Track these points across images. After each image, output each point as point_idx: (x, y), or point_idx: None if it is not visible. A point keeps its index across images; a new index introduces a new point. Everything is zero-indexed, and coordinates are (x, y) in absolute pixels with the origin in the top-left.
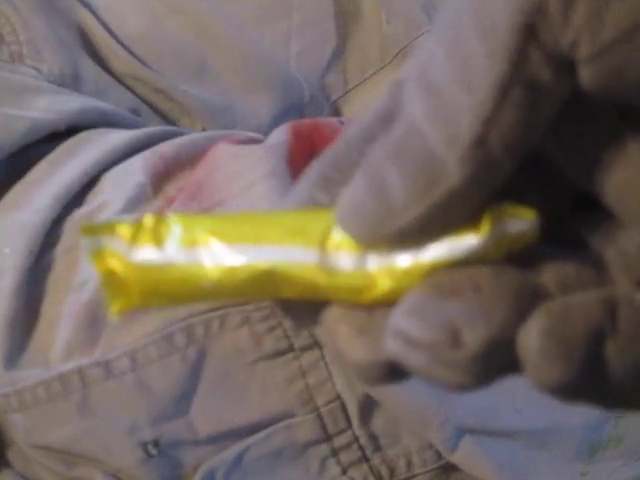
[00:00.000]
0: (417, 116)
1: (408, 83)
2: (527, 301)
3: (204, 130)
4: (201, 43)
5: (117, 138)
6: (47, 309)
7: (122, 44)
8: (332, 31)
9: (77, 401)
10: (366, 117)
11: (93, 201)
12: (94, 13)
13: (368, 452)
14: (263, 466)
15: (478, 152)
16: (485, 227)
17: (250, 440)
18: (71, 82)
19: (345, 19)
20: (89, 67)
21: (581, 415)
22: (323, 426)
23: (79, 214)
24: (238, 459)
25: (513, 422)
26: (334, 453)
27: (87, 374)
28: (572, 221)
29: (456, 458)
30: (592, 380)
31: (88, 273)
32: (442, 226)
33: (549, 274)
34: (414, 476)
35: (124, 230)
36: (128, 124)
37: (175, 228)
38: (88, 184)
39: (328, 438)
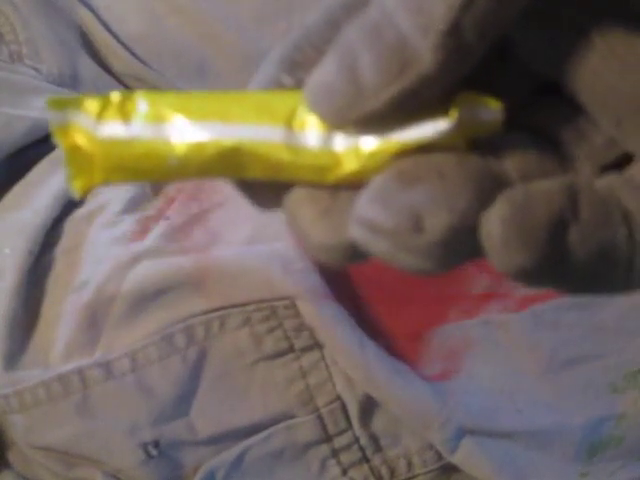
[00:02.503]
0: (391, 4)
1: None
2: (489, 188)
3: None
4: (201, 43)
5: None
6: (47, 309)
7: (122, 44)
8: None
9: (77, 402)
10: (329, 4)
11: (93, 201)
12: (94, 13)
13: (368, 453)
14: (263, 467)
15: (451, 39)
16: (453, 112)
17: (250, 441)
18: (70, 82)
19: None
20: (89, 67)
21: (581, 416)
22: (323, 427)
23: (79, 214)
24: (238, 460)
25: (513, 423)
26: (334, 454)
27: (87, 375)
28: (534, 109)
29: (456, 459)
30: (555, 265)
31: (88, 273)
32: (411, 110)
33: (511, 162)
34: (414, 477)
35: (91, 105)
36: None
37: (141, 104)
38: None
39: (328, 439)
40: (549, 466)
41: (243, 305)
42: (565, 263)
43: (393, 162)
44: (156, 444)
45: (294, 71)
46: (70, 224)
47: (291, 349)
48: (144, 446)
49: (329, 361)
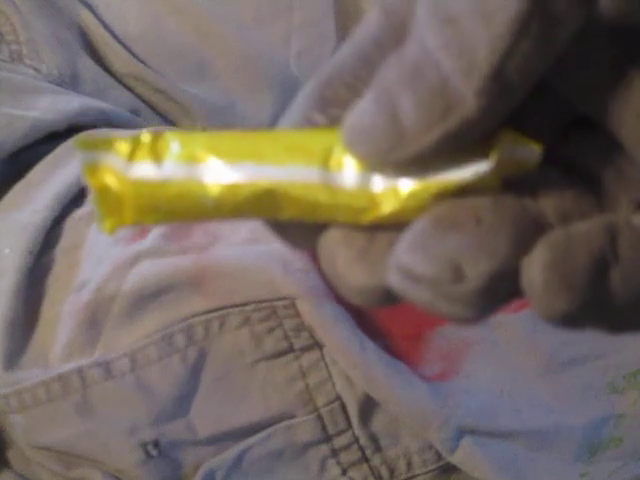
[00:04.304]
0: (431, 44)
1: (419, 7)
2: (528, 232)
3: (204, 130)
4: (201, 43)
5: None
6: (47, 309)
7: (122, 44)
8: (332, 31)
9: (77, 402)
10: (359, 39)
11: None
12: (94, 13)
13: (368, 453)
14: (263, 466)
15: (494, 84)
16: (492, 154)
17: (250, 440)
18: (70, 82)
19: (345, 19)
20: (89, 67)
21: (581, 416)
22: (323, 427)
23: (79, 214)
24: (238, 459)
25: (513, 423)
26: (334, 454)
27: (87, 374)
28: (567, 144)
29: (456, 459)
30: (596, 307)
31: (88, 273)
32: (452, 153)
33: (548, 203)
34: (414, 477)
35: (122, 146)
36: (128, 124)
37: (173, 145)
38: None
39: (328, 439)
40: (549, 466)
41: (243, 305)
42: (607, 305)
43: (431, 205)
44: (156, 444)
45: (326, 109)
46: (70, 224)
47: (291, 349)
48: (144, 446)
49: (329, 361)
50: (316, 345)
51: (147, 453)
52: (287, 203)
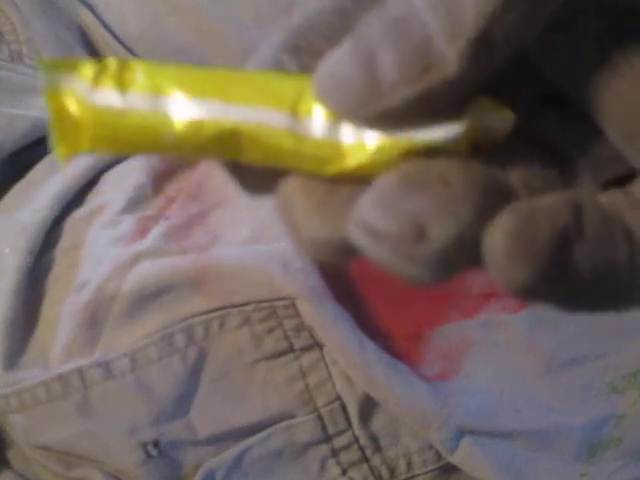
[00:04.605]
0: (417, 2)
1: None
2: (494, 200)
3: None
4: (201, 43)
5: None
6: (47, 309)
7: (122, 44)
8: None
9: (77, 402)
10: None
11: (93, 201)
12: (94, 13)
13: (368, 453)
14: (263, 466)
15: (478, 48)
16: (464, 118)
17: (250, 440)
18: None
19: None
20: None
21: (581, 416)
22: (323, 427)
23: (79, 214)
24: (238, 459)
25: (513, 423)
26: (334, 454)
27: (87, 375)
28: (538, 119)
29: (456, 459)
30: (557, 282)
31: (88, 273)
32: (425, 112)
33: (516, 174)
34: (414, 477)
35: (86, 70)
36: None
37: (139, 74)
38: (88, 184)
39: (328, 439)
40: (549, 466)
41: (243, 305)
42: (567, 280)
43: (398, 162)
44: (156, 444)
45: (298, 55)
46: (70, 224)
47: (291, 349)
48: (144, 446)
49: (329, 361)
50: (316, 345)
51: (147, 453)
52: (251, 145)
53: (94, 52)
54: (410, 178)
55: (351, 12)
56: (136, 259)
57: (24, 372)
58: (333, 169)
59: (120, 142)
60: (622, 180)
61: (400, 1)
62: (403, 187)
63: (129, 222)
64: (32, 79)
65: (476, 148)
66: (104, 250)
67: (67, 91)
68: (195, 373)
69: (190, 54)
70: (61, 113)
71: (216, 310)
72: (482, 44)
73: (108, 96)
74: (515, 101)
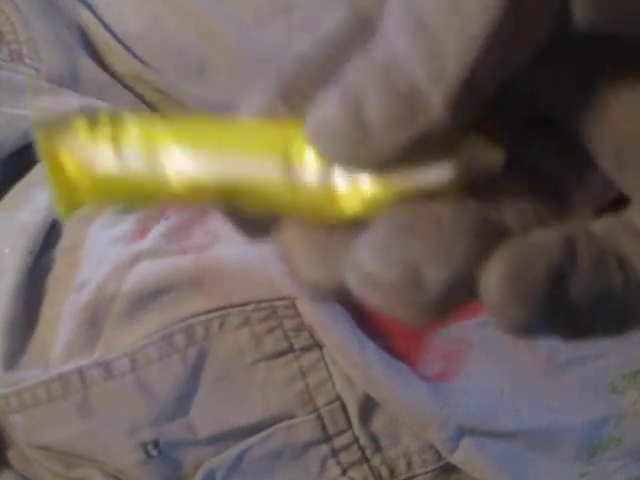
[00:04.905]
0: (401, 47)
1: (389, 9)
2: (488, 239)
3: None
4: (201, 42)
5: None
6: (47, 309)
7: (122, 44)
8: None
9: (77, 401)
10: (325, 34)
11: None
12: (94, 13)
13: (368, 453)
14: (263, 466)
15: (463, 91)
16: (456, 159)
17: (250, 440)
18: (70, 82)
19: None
20: (89, 67)
21: (581, 416)
22: (323, 427)
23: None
24: (238, 459)
25: (513, 423)
26: (334, 454)
27: (87, 374)
28: (529, 145)
29: (456, 459)
30: (554, 317)
31: (88, 273)
32: (416, 157)
33: (509, 209)
34: (414, 477)
35: (81, 128)
36: None
37: (133, 130)
38: None
39: (328, 439)
40: (549, 466)
41: (243, 305)
42: (564, 314)
43: (392, 207)
44: (156, 444)
45: (289, 98)
46: (70, 224)
47: (291, 349)
48: (144, 446)
49: (329, 361)
50: (316, 345)
51: (147, 453)
52: (248, 197)
53: (94, 52)
54: (404, 223)
55: (338, 54)
56: (136, 259)
57: (24, 372)
58: (329, 216)
59: (119, 200)
60: (616, 203)
61: (384, 47)
62: (397, 233)
63: (129, 222)
64: (32, 80)
65: (469, 185)
66: (104, 250)
67: (63, 150)
68: (195, 373)
69: (190, 54)
70: (59, 172)
71: (216, 310)
72: (467, 87)
73: (103, 154)
74: (504, 127)
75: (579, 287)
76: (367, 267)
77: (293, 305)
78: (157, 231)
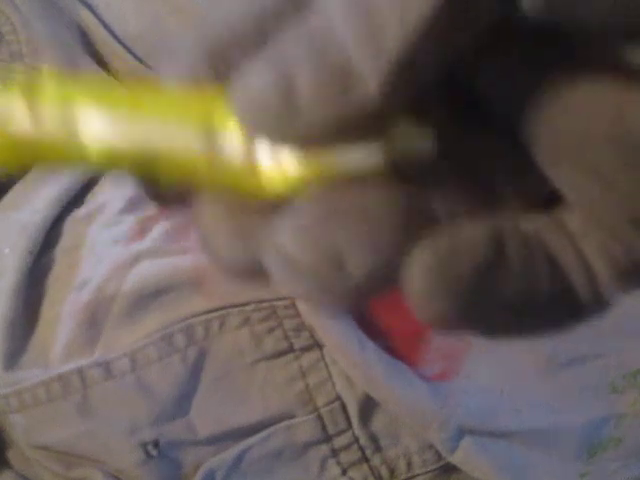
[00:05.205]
0: (338, 20)
1: None
2: (415, 226)
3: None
4: None
5: None
6: (47, 309)
7: (122, 44)
8: None
9: (77, 401)
10: (256, 7)
11: (93, 201)
12: (94, 13)
13: (368, 453)
14: (263, 466)
15: (400, 73)
16: (385, 141)
17: (250, 440)
18: None
19: None
20: (89, 67)
21: (581, 416)
22: (323, 427)
23: (79, 214)
24: (238, 459)
25: (513, 422)
26: (334, 453)
27: (87, 374)
28: (463, 139)
29: (456, 458)
30: (477, 313)
31: (88, 273)
32: (345, 134)
33: (438, 197)
34: (414, 477)
35: None
36: None
37: (51, 89)
38: (88, 184)
39: (328, 439)
40: (549, 466)
41: (243, 305)
42: (488, 310)
43: (317, 187)
44: (156, 444)
45: (213, 63)
46: (70, 224)
47: (291, 349)
48: (144, 446)
49: (329, 361)
50: (316, 345)
51: (147, 453)
52: (166, 167)
53: (94, 52)
54: (328, 207)
55: (270, 22)
56: (136, 259)
57: (24, 372)
58: (248, 191)
59: (36, 162)
60: (548, 201)
61: (320, 18)
62: (321, 217)
63: (129, 222)
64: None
65: (398, 171)
66: (104, 250)
67: None
68: (195, 373)
69: None
70: None
71: (216, 310)
72: (403, 68)
73: (19, 115)
74: (437, 113)
75: (505, 282)
76: (286, 248)
77: (293, 305)
78: (157, 231)
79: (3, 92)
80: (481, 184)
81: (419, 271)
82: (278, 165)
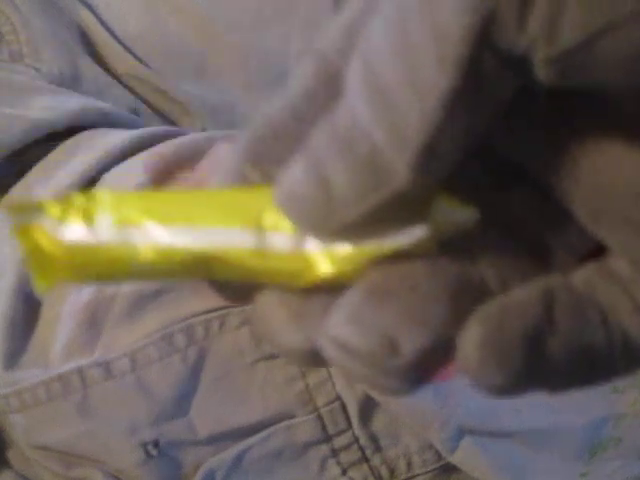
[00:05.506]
0: (362, 114)
1: (350, 71)
2: (465, 300)
3: (204, 130)
4: (201, 42)
5: (117, 138)
6: (47, 309)
7: (122, 44)
8: None
9: (77, 401)
10: (292, 93)
11: None
12: (94, 12)
13: (368, 453)
14: (263, 466)
15: (426, 157)
16: (427, 218)
17: (250, 440)
18: (71, 82)
19: None
20: (89, 67)
21: (581, 416)
22: (323, 427)
23: None
24: (238, 459)
25: (513, 422)
26: (334, 453)
27: (87, 374)
28: (505, 203)
29: (456, 458)
30: (534, 376)
31: None
32: (386, 220)
33: (487, 267)
34: (414, 476)
35: (53, 207)
36: (128, 124)
37: (105, 206)
38: (88, 184)
39: (328, 439)
40: (549, 466)
41: (243, 305)
42: (543, 373)
43: (367, 269)
44: (156, 444)
45: (259, 164)
46: None
47: None
48: (144, 446)
49: None
50: None
51: (147, 453)
52: (221, 268)
53: (94, 52)
54: (377, 288)
55: (306, 115)
56: None
57: (24, 372)
58: (303, 281)
59: (93, 274)
60: (598, 252)
61: (346, 112)
62: (371, 299)
63: None
64: (32, 79)
65: (444, 244)
66: None
67: (37, 229)
68: (195, 373)
69: (190, 54)
70: (34, 250)
71: (216, 310)
72: (429, 154)
73: (76, 231)
74: (478, 183)
75: (558, 346)
76: (341, 335)
77: None
78: None
79: (61, 210)
80: (528, 245)
81: (472, 344)
82: (327, 252)
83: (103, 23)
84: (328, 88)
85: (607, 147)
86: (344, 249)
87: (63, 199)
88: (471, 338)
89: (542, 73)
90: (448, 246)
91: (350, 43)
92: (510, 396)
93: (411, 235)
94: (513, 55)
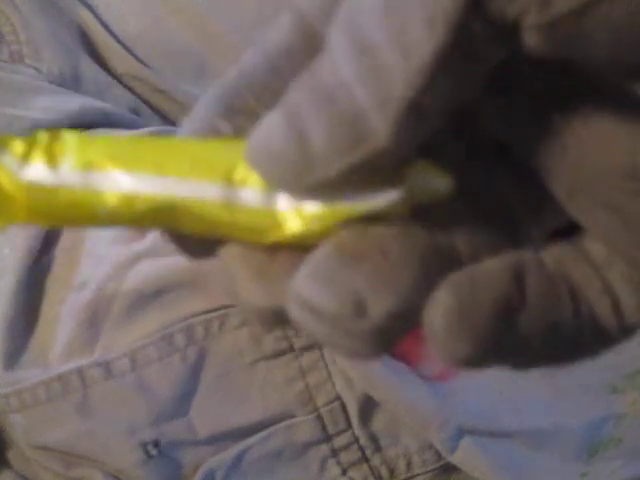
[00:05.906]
0: (345, 71)
1: (334, 29)
2: (435, 267)
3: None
4: (201, 43)
5: None
6: (47, 309)
7: (122, 44)
8: None
9: (77, 401)
10: (269, 46)
11: None
12: (94, 13)
13: (368, 452)
14: (263, 466)
15: (408, 118)
16: (402, 183)
17: (250, 440)
18: (71, 82)
19: None
20: (89, 67)
21: (581, 416)
22: (323, 426)
23: None
24: (238, 459)
25: (513, 423)
26: (334, 453)
27: (87, 374)
28: (480, 175)
29: (456, 458)
30: (501, 350)
31: (88, 273)
32: (361, 180)
33: (459, 236)
34: (414, 476)
35: (16, 145)
36: (128, 124)
37: (70, 148)
38: None
39: (328, 438)
40: (549, 466)
41: None
42: (511, 347)
43: (337, 230)
44: (156, 444)
45: (232, 117)
46: None
47: (290, 349)
48: (144, 446)
49: (328, 361)
50: (316, 345)
51: (147, 453)
52: (186, 218)
53: (94, 52)
54: (347, 249)
55: (284, 69)
56: (136, 259)
57: (24, 372)
58: (270, 238)
59: (54, 217)
60: (569, 229)
61: (328, 68)
62: (340, 260)
63: None
64: (32, 79)
65: (417, 211)
66: (104, 250)
67: None
68: (195, 373)
69: (190, 54)
70: None
71: (216, 310)
72: (412, 114)
73: (38, 171)
74: (456, 153)
75: (527, 320)
76: (307, 294)
77: None
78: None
79: (24, 150)
80: (501, 219)
81: (439, 312)
82: (297, 211)
83: (103, 23)
84: (307, 46)
85: (594, 126)
86: (315, 208)
87: (28, 137)
88: (439, 305)
89: (532, 40)
90: (422, 214)
91: (332, 2)
92: (472, 369)
93: (385, 198)
94: (504, 20)
